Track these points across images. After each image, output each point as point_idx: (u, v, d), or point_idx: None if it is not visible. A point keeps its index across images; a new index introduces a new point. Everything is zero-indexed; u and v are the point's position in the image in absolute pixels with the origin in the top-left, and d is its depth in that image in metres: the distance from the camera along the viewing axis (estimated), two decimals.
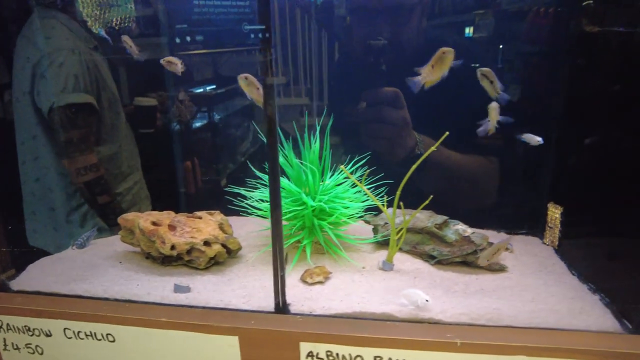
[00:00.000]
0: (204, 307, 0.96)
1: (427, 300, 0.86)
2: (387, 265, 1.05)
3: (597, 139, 1.08)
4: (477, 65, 0.93)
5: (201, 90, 1.94)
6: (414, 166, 1.00)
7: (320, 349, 0.83)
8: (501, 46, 1.25)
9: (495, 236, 1.28)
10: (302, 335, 0.84)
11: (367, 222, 1.20)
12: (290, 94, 1.52)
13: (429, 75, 0.88)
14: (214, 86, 2.00)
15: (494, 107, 0.92)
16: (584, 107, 1.12)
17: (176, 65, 1.05)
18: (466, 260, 1.07)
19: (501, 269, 1.06)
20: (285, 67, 1.45)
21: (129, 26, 1.25)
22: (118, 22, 1.24)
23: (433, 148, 0.96)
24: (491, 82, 0.89)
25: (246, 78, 0.95)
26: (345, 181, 1.14)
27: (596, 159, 1.03)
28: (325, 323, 0.87)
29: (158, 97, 1.74)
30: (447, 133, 0.94)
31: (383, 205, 1.05)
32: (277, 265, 0.89)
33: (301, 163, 1.08)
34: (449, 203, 1.16)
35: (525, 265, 1.09)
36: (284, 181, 1.10)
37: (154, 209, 1.63)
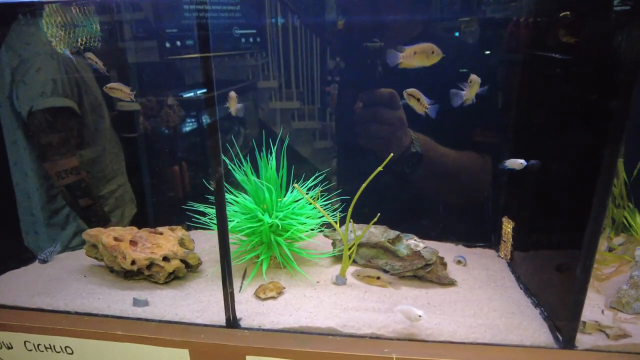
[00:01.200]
0: (159, 321, 0.99)
1: (420, 316, 0.89)
2: (339, 280, 1.08)
3: (546, 153, 1.12)
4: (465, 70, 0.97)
5: (191, 94, 1.97)
6: (365, 183, 1.04)
7: None
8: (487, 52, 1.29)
9: (453, 249, 1.33)
10: (248, 349, 0.88)
11: (326, 236, 1.24)
12: (282, 98, 1.56)
13: (409, 58, 0.89)
14: (204, 90, 2.03)
15: (475, 80, 0.95)
16: (533, 122, 1.15)
17: (120, 91, 1.08)
18: (417, 274, 1.11)
19: (450, 283, 1.10)
20: (277, 71, 1.49)
21: (94, 46, 1.28)
22: (83, 42, 1.27)
23: (379, 168, 1.00)
24: (418, 99, 0.94)
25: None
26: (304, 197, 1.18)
27: (546, 173, 1.07)
28: (271, 337, 0.91)
29: (147, 101, 1.76)
30: (392, 154, 0.98)
31: (335, 222, 1.09)
32: (226, 283, 0.92)
33: (259, 180, 1.11)
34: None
35: (475, 279, 1.13)
36: (241, 198, 1.13)
37: (139, 213, 1.68)
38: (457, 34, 1.31)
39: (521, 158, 1.01)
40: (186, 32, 1.59)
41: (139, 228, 1.17)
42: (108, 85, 1.11)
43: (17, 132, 1.41)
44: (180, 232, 1.18)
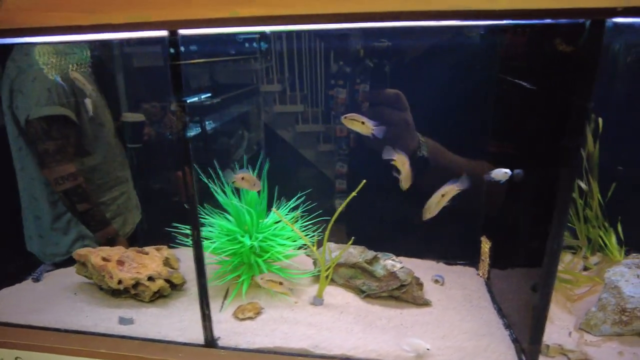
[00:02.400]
0: (143, 339, 1.04)
1: (428, 349, 0.91)
2: (317, 301, 1.12)
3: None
4: None
5: (195, 99, 2.01)
6: (340, 207, 1.07)
7: None
8: None
9: (434, 267, 1.35)
10: None
11: (308, 255, 1.28)
12: (286, 102, 1.60)
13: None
14: (209, 94, 2.06)
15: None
16: (505, 142, 1.18)
17: (83, 84, 1.12)
18: (393, 294, 1.14)
19: (425, 303, 1.13)
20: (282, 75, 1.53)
21: (84, 71, 1.34)
22: (74, 68, 1.33)
23: (353, 194, 1.04)
24: (362, 122, 0.95)
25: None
26: (286, 218, 1.22)
27: (517, 192, 1.09)
28: (245, 357, 0.95)
29: (151, 107, 1.81)
30: (364, 181, 1.02)
31: (313, 244, 1.13)
32: (203, 305, 0.97)
33: (240, 204, 1.16)
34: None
35: (451, 299, 1.16)
36: (223, 220, 1.18)
37: (145, 219, 1.73)
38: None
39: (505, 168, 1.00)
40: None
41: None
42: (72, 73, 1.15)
43: (20, 139, 1.48)
44: (165, 251, 1.23)
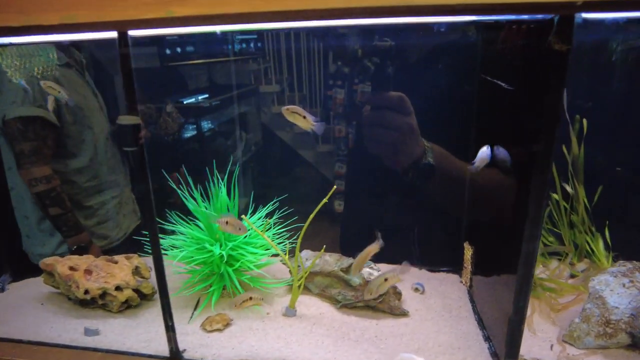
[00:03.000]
0: (107, 351, 1.00)
1: None
2: (289, 312, 1.08)
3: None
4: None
5: (192, 100, 1.97)
6: (312, 214, 1.03)
7: None
8: None
9: (416, 274, 1.31)
10: None
11: (284, 263, 1.24)
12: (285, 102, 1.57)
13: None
14: (206, 96, 2.03)
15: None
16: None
17: (57, 91, 1.10)
18: (369, 304, 1.10)
19: (402, 314, 1.08)
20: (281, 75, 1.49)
21: (51, 75, 1.31)
22: (40, 72, 1.30)
23: (324, 200, 0.99)
24: (304, 117, 0.89)
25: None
26: (260, 225, 1.18)
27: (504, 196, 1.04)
28: None
29: (146, 108, 1.78)
30: (335, 187, 0.98)
31: (285, 253, 1.08)
32: (166, 316, 0.93)
33: (208, 211, 1.12)
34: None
35: (430, 309, 1.11)
36: (189, 229, 1.14)
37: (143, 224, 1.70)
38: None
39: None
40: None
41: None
42: (45, 82, 1.15)
43: (2, 139, 1.46)
44: (136, 260, 1.19)
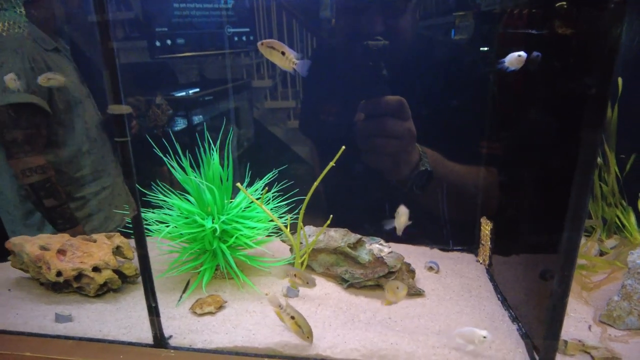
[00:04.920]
0: (80, 339, 0.87)
1: (484, 337, 0.74)
2: (291, 292, 0.95)
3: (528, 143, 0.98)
4: None
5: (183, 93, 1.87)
6: (317, 181, 0.91)
7: None
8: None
9: (427, 253, 1.19)
10: None
11: (284, 241, 1.11)
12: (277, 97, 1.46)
13: None
14: (197, 89, 1.92)
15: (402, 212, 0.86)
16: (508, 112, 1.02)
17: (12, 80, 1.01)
18: (379, 283, 0.98)
19: (417, 293, 0.97)
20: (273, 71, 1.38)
21: (18, 33, 1.18)
22: (5, 28, 1.17)
23: (331, 163, 0.87)
24: (282, 53, 0.73)
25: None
26: (259, 198, 1.06)
27: (525, 167, 0.93)
28: (199, 359, 0.78)
29: (135, 100, 1.68)
30: (344, 147, 0.86)
31: (286, 226, 0.96)
32: (148, 296, 0.80)
33: (200, 180, 0.99)
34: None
35: (447, 289, 1.00)
36: (178, 201, 1.01)
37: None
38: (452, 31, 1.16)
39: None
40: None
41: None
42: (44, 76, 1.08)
43: None
44: (118, 239, 1.06)
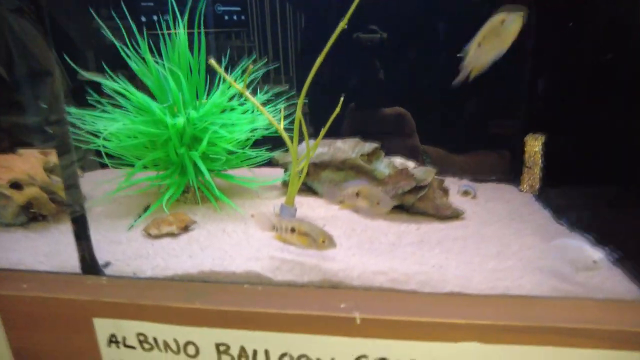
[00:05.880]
0: None
1: (594, 262, 0.51)
2: (286, 210, 0.70)
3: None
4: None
5: None
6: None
7: (128, 330, 0.48)
8: None
9: (456, 183, 0.94)
10: (97, 306, 0.50)
11: (276, 161, 0.85)
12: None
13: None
14: None
15: None
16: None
17: None
18: (404, 203, 0.72)
19: (454, 215, 0.72)
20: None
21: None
22: None
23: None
24: None
25: None
26: (240, 100, 0.79)
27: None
28: (144, 288, 0.52)
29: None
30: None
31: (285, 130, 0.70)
32: (77, 224, 0.54)
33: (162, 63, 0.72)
34: None
35: (491, 213, 0.75)
36: (129, 93, 0.73)
37: None
38: None
39: None
40: None
41: None
42: None
43: None
44: (54, 157, 0.79)
